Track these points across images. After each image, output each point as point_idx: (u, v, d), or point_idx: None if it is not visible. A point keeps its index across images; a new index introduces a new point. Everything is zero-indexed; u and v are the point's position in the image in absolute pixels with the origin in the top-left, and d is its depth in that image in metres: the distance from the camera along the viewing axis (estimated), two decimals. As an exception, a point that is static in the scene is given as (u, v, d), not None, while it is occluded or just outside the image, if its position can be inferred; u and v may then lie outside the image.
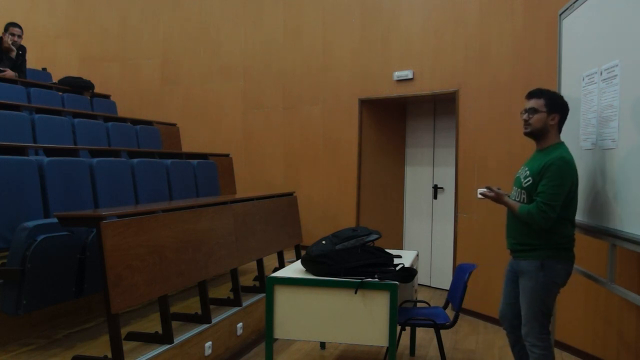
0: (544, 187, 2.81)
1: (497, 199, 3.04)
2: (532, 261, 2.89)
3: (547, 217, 2.79)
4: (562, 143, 2.96)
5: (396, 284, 3.04)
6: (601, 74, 3.10)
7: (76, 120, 5.18)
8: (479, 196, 3.11)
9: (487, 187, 3.08)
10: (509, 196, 3.11)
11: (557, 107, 2.93)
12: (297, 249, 5.59)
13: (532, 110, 2.93)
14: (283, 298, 3.14)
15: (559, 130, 2.98)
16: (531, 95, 2.98)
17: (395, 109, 6.71)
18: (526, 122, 2.96)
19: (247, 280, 4.88)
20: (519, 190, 3.00)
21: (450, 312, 3.64)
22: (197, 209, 3.71)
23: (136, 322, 3.68)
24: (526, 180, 2.94)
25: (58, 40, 7.90)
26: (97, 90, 6.94)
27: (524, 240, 2.94)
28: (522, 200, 2.96)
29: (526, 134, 3.00)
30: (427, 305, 4.05)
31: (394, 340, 3.02)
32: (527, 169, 2.98)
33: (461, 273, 3.64)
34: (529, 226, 2.89)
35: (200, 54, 7.45)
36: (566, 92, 3.70)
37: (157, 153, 5.18)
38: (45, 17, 7.96)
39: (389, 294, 3.01)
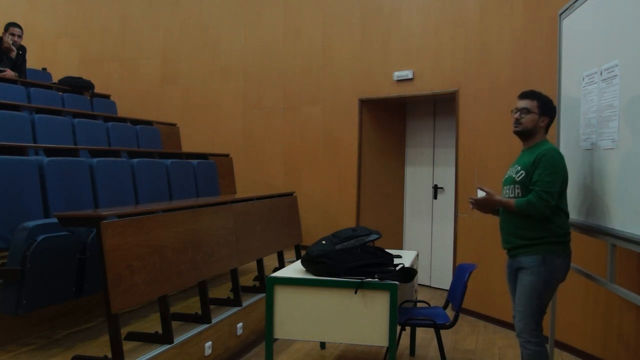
0: (540, 176, 2.88)
1: (489, 199, 3.02)
2: (533, 256, 2.91)
3: (547, 204, 2.85)
4: (547, 140, 3.09)
5: (396, 284, 3.04)
6: (601, 74, 3.10)
7: (76, 120, 5.18)
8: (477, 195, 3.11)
9: (470, 198, 3.09)
10: None
11: (548, 110, 3.07)
12: (297, 249, 5.59)
13: (525, 111, 3.03)
14: (283, 298, 3.14)
15: (546, 132, 3.11)
16: (524, 95, 3.08)
17: (395, 109, 6.71)
18: (517, 121, 3.06)
19: (247, 280, 4.88)
20: (512, 186, 3.04)
21: (450, 312, 3.63)
22: (197, 209, 3.71)
23: (136, 322, 3.68)
24: (519, 175, 2.99)
25: (58, 40, 7.90)
26: (97, 90, 6.94)
27: (523, 234, 2.95)
28: (516, 195, 3.00)
29: (516, 132, 3.09)
30: (427, 305, 4.05)
31: (394, 340, 3.02)
32: (517, 166, 3.05)
33: (461, 273, 3.64)
34: (528, 219, 2.91)
35: (200, 54, 7.45)
36: (566, 92, 3.70)
37: (157, 153, 5.17)
38: (45, 17, 7.95)
39: (389, 294, 3.02)
